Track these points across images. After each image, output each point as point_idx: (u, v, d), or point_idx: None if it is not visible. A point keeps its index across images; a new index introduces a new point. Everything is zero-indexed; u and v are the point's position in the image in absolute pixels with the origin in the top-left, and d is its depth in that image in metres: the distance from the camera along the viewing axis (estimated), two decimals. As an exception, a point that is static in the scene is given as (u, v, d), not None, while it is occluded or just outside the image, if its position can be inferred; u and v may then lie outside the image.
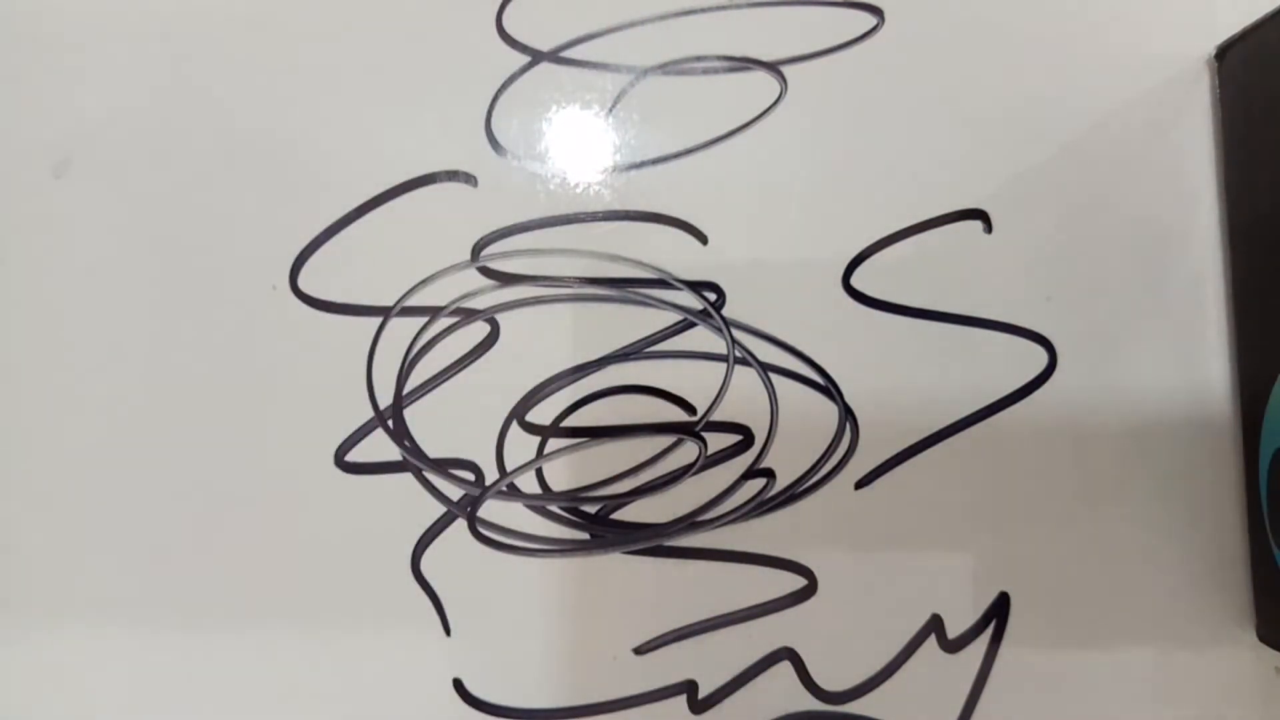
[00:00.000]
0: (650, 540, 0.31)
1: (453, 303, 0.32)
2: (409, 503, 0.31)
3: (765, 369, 0.31)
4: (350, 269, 0.32)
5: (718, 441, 0.31)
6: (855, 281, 0.32)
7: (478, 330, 0.32)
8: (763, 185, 0.32)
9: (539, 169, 0.32)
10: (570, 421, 0.31)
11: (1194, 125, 0.32)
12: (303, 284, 0.32)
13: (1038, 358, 0.31)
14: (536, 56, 0.32)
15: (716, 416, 0.31)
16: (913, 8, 0.32)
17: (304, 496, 0.31)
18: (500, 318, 0.32)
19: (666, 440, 0.31)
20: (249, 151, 0.32)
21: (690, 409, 0.31)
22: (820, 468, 0.31)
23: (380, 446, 0.31)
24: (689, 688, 0.31)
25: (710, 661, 0.31)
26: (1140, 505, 0.31)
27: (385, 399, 0.31)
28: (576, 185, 0.32)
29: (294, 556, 0.31)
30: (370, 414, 0.31)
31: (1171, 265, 0.32)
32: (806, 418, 0.31)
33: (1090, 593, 0.31)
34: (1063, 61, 0.32)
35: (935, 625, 0.31)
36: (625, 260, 0.32)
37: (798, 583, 0.31)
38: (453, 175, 0.32)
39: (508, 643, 0.31)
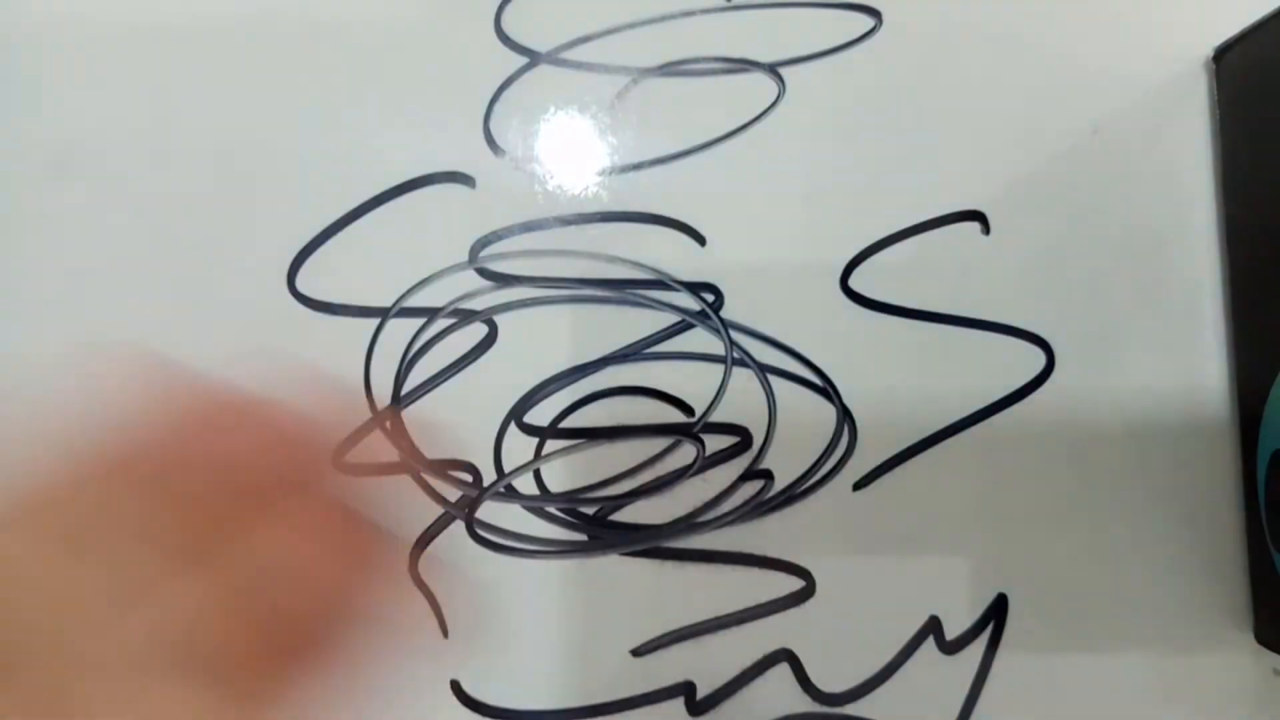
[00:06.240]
0: (648, 541, 0.31)
1: (451, 304, 0.32)
2: (407, 504, 0.31)
3: (763, 370, 0.31)
4: (348, 270, 0.32)
5: (716, 443, 0.31)
6: (853, 283, 0.32)
7: (476, 331, 0.32)
8: (761, 187, 0.32)
9: (537, 170, 0.32)
10: (568, 423, 0.31)
11: (1191, 127, 0.32)
12: (301, 285, 0.32)
13: (1035, 359, 0.31)
14: (535, 58, 0.32)
15: (715, 418, 0.31)
16: (910, 9, 0.32)
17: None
18: (498, 319, 0.32)
19: (664, 441, 0.31)
20: (248, 152, 0.32)
21: (688, 410, 0.31)
22: (818, 469, 0.31)
23: (378, 447, 0.31)
24: (687, 689, 0.31)
25: (708, 663, 0.31)
26: (1138, 507, 0.31)
27: (383, 399, 0.31)
28: (574, 186, 0.32)
29: (291, 557, 0.31)
30: (368, 415, 0.31)
31: (1169, 267, 0.32)
32: (804, 419, 0.31)
33: (1088, 595, 0.31)
34: (1060, 63, 0.32)
35: (933, 627, 0.31)
36: (623, 261, 0.32)
37: (796, 584, 0.31)
38: (451, 176, 0.32)
39: (506, 644, 0.31)
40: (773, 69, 0.32)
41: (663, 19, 0.32)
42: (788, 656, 0.31)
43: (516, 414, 0.31)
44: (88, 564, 0.23)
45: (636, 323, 0.32)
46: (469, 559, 0.31)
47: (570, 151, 0.32)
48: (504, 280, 0.32)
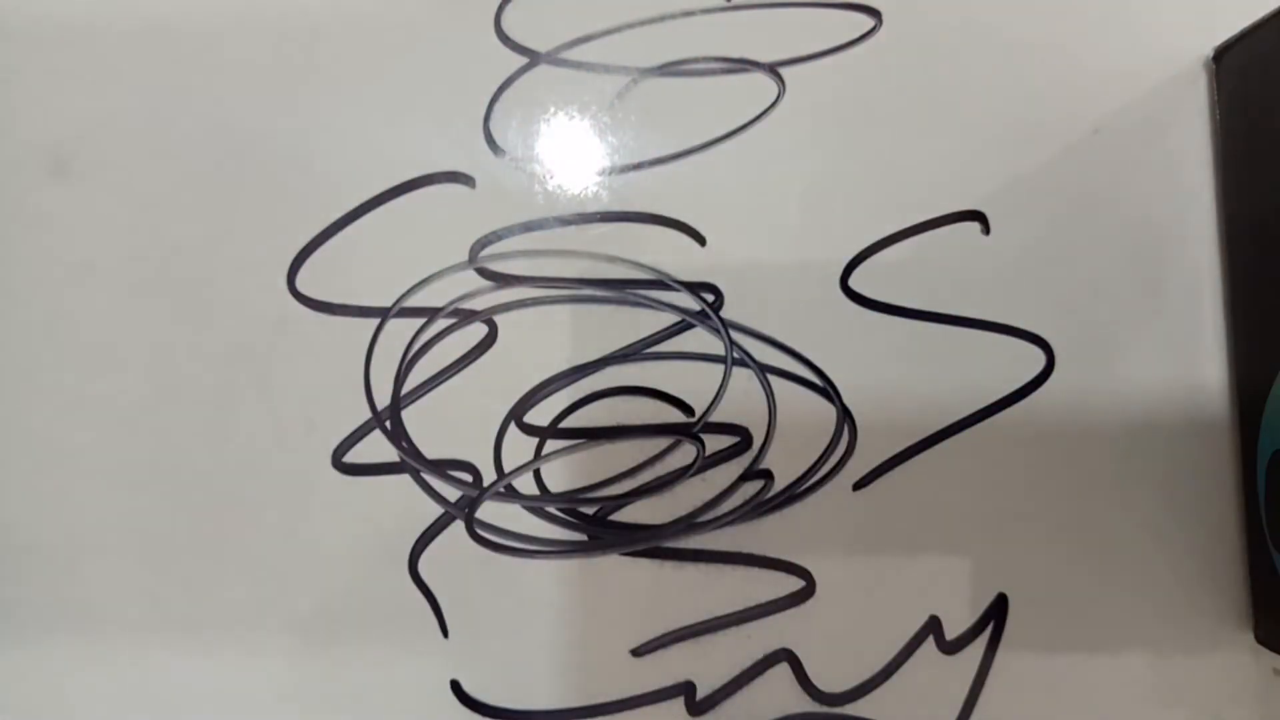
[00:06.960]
0: (648, 541, 0.31)
1: (451, 304, 0.32)
2: (407, 504, 0.31)
3: (763, 370, 0.31)
4: (348, 270, 0.32)
5: (716, 443, 0.31)
6: (853, 283, 0.32)
7: (476, 331, 0.32)
8: (761, 187, 0.32)
9: (537, 170, 0.32)
10: (568, 423, 0.31)
11: (1191, 127, 0.32)
12: (301, 285, 0.32)
13: (1035, 359, 0.31)
14: (535, 58, 0.32)
15: (715, 418, 0.31)
16: (910, 9, 0.32)
17: (302, 497, 0.31)
18: (498, 319, 0.32)
19: (664, 441, 0.31)
20: (248, 152, 0.32)
21: (688, 410, 0.31)
22: (818, 469, 0.31)
23: (378, 447, 0.31)
24: (687, 689, 0.31)
25: (708, 663, 0.31)
26: (1138, 507, 0.31)
27: (383, 400, 0.31)
28: (574, 186, 0.32)
29: (291, 558, 0.31)
30: (368, 415, 0.31)
31: (1169, 266, 0.32)
32: (805, 419, 0.31)
33: (1088, 594, 0.31)
34: (1060, 63, 0.32)
35: (933, 627, 0.31)
36: (623, 261, 0.32)
37: (796, 584, 0.31)
38: (451, 176, 0.32)
39: (506, 644, 0.31)
40: (773, 69, 0.32)
41: (663, 19, 0.32)
42: (788, 656, 0.31)
43: (516, 414, 0.31)
44: None
45: (636, 323, 0.32)
46: (469, 559, 0.31)
47: (570, 151, 0.32)
48: (504, 280, 0.32)
